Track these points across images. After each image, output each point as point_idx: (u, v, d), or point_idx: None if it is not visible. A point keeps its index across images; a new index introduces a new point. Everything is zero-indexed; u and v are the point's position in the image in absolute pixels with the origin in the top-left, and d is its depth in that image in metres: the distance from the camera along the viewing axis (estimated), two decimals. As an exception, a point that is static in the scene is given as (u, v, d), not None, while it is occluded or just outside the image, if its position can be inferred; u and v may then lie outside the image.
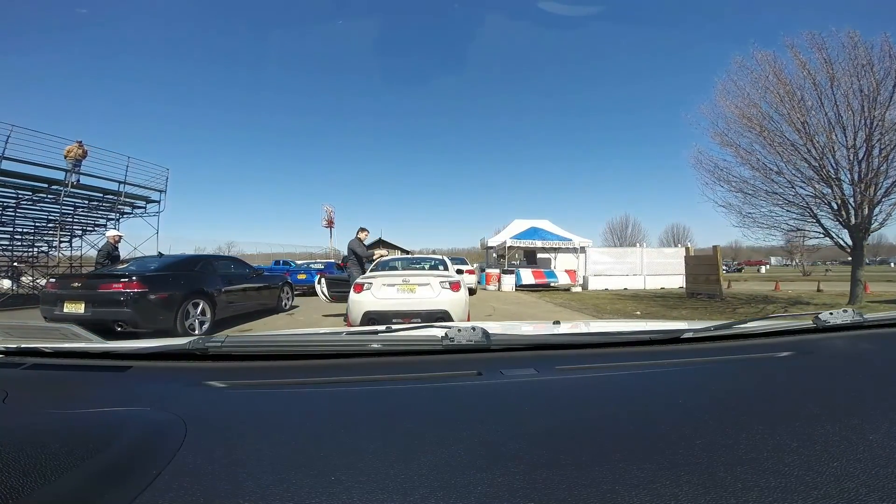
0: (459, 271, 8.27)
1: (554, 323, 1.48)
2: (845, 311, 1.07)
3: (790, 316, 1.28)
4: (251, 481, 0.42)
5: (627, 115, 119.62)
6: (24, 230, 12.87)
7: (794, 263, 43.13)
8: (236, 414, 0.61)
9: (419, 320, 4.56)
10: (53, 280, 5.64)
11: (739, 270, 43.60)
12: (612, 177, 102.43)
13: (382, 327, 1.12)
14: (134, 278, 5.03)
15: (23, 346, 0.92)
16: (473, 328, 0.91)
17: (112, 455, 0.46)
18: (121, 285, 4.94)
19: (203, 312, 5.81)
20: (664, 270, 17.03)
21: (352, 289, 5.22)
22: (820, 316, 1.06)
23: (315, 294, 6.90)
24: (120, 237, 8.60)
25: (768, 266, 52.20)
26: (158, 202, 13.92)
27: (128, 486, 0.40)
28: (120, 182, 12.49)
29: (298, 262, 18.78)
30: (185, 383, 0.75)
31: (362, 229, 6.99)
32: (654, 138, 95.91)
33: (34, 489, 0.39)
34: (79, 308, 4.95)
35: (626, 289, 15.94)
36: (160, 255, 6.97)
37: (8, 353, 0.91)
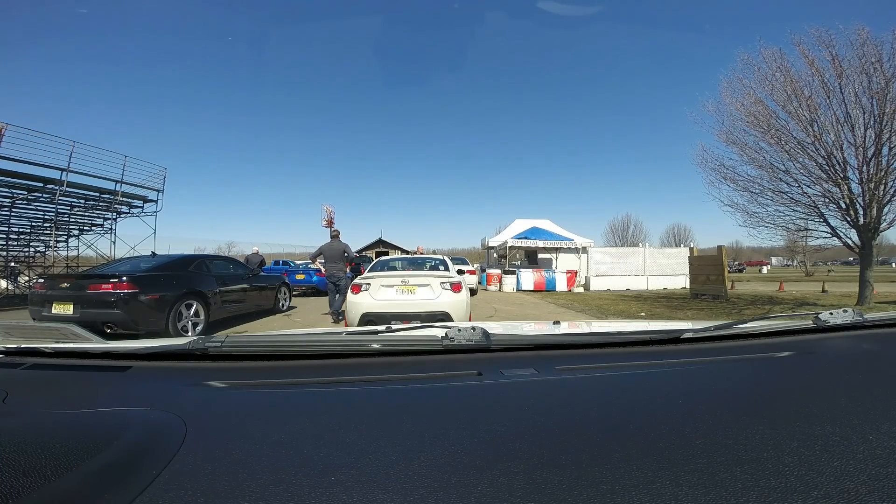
0: (460, 271, 8.14)
1: (554, 323, 1.47)
2: (845, 311, 1.07)
3: (790, 316, 1.27)
4: (251, 481, 0.42)
5: (628, 114, 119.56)
6: (20, 230, 12.77)
7: (794, 263, 43.07)
8: (236, 414, 0.61)
9: (419, 322, 4.42)
10: (42, 280, 5.49)
11: (741, 270, 43.43)
12: (613, 176, 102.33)
13: (382, 327, 1.13)
14: (124, 279, 4.88)
15: (23, 346, 0.92)
16: (473, 328, 0.91)
17: (112, 455, 0.46)
18: (110, 286, 4.79)
19: (196, 314, 5.66)
20: (667, 271, 16.93)
21: (349, 290, 5.09)
22: (820, 316, 1.07)
23: (314, 295, 6.74)
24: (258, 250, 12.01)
25: (769, 266, 52.09)
26: (156, 202, 13.84)
27: (128, 486, 0.40)
28: (117, 181, 12.39)
29: (298, 262, 18.66)
30: (185, 383, 0.75)
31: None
32: (656, 138, 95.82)
33: (34, 489, 0.39)
34: (67, 309, 4.80)
35: (628, 289, 15.81)
36: (153, 254, 6.82)
37: (8, 353, 0.91)
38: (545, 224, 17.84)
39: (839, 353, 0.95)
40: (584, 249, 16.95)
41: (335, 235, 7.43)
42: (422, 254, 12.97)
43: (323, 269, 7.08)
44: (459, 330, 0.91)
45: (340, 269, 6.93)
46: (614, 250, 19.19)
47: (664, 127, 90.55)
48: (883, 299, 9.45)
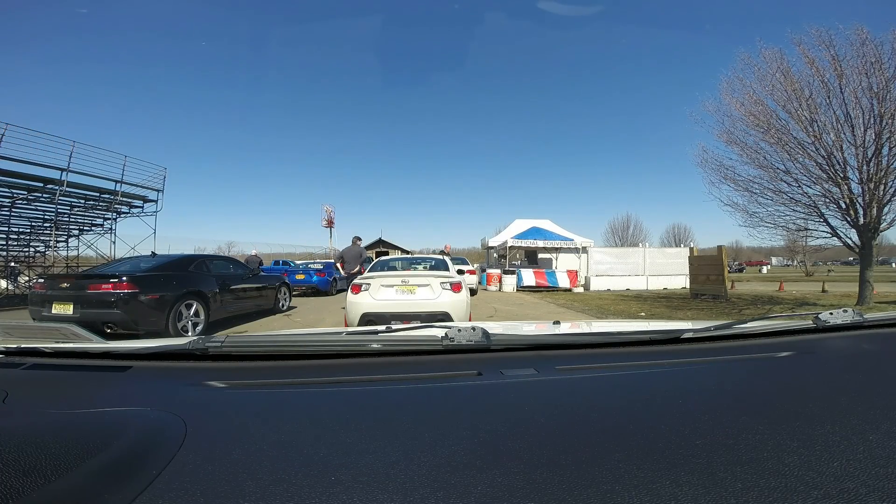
0: (460, 271, 8.16)
1: (554, 323, 1.48)
2: (845, 311, 1.07)
3: (790, 316, 1.27)
4: (251, 481, 0.42)
5: (628, 114, 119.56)
6: (20, 230, 12.77)
7: (794, 263, 43.09)
8: (236, 414, 0.61)
9: (419, 322, 4.42)
10: (42, 280, 5.49)
11: (741, 270, 43.45)
12: (613, 176, 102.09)
13: (382, 327, 1.13)
14: (124, 279, 4.88)
15: (23, 346, 0.93)
16: (473, 328, 0.91)
17: (112, 455, 0.46)
18: (110, 286, 4.80)
19: (196, 314, 5.67)
20: (667, 270, 16.94)
21: (349, 290, 5.10)
22: (820, 316, 1.07)
23: (314, 295, 6.78)
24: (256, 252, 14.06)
25: (769, 266, 52.11)
26: (156, 202, 13.85)
27: (128, 486, 0.40)
28: (117, 181, 12.40)
29: (298, 262, 18.69)
30: (185, 383, 0.75)
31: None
32: (656, 138, 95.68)
33: (34, 489, 0.39)
34: (67, 309, 4.81)
35: (628, 289, 15.81)
36: (153, 254, 6.82)
37: (8, 353, 0.91)
38: (545, 224, 17.83)
39: (839, 353, 0.94)
40: (584, 249, 16.95)
41: (356, 241, 8.36)
42: (449, 252, 13.13)
43: (342, 271, 8.18)
44: (459, 330, 0.91)
45: (357, 271, 7.83)
46: (614, 250, 19.19)
47: (664, 127, 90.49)
48: (883, 299, 9.44)
